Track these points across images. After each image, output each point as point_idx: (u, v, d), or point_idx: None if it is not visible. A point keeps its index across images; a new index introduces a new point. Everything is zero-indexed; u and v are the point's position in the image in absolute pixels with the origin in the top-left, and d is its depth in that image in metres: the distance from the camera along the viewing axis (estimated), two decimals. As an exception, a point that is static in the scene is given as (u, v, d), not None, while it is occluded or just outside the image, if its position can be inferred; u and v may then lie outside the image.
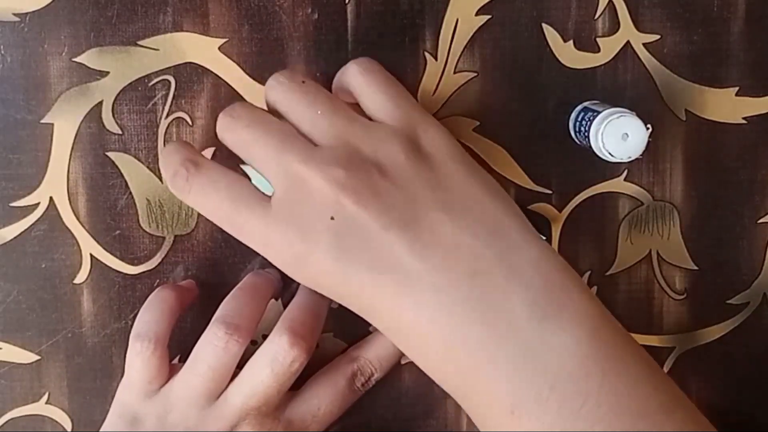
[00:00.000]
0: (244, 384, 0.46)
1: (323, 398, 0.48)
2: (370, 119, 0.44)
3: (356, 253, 0.40)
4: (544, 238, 0.46)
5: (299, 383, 0.48)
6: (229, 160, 0.49)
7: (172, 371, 0.47)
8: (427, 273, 0.39)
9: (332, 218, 0.40)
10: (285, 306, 0.51)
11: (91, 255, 0.50)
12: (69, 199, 0.50)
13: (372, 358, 0.49)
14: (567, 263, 0.41)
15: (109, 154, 0.49)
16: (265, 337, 0.51)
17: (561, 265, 0.41)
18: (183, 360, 0.48)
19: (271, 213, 0.41)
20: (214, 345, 0.46)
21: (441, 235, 0.40)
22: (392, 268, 0.39)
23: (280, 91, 0.44)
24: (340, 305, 0.42)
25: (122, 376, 0.48)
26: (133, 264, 0.50)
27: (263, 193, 0.42)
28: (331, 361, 0.50)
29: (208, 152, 0.49)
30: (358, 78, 0.45)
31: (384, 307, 0.40)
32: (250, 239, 0.42)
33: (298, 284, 0.50)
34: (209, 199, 0.42)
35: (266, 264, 0.50)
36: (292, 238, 0.40)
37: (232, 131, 0.43)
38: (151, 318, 0.48)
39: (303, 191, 0.40)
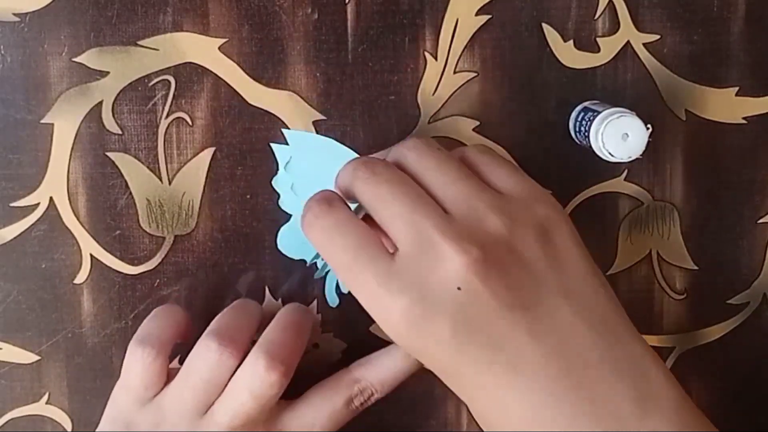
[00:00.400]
0: (227, 403, 0.46)
1: (319, 416, 0.47)
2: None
3: (477, 328, 0.39)
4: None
5: (293, 389, 0.48)
6: (229, 160, 0.49)
7: (168, 377, 0.47)
8: (542, 357, 0.39)
9: (459, 288, 0.40)
10: (284, 304, 0.51)
11: (91, 255, 0.50)
12: (69, 199, 0.50)
13: (375, 382, 0.48)
14: (657, 355, 0.42)
15: (109, 154, 0.49)
16: (265, 337, 0.51)
17: (657, 361, 0.41)
18: (182, 360, 0.48)
19: (395, 268, 0.40)
20: (206, 358, 0.46)
21: (559, 320, 0.40)
22: (508, 347, 0.39)
23: (416, 154, 0.44)
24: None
25: (122, 376, 0.48)
26: (133, 264, 0.50)
27: (387, 249, 0.42)
28: (331, 375, 0.49)
29: (209, 152, 0.49)
30: (479, 156, 0.45)
31: (490, 384, 0.40)
32: (365, 290, 0.41)
33: (289, 287, 0.51)
34: (332, 242, 0.42)
35: (262, 273, 0.50)
36: (413, 299, 0.40)
37: (369, 184, 0.43)
38: (157, 325, 0.48)
39: (433, 257, 0.40)
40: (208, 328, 0.47)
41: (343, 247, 0.41)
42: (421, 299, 0.39)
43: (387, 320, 0.40)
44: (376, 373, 0.48)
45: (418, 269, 0.40)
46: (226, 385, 0.46)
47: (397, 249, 0.41)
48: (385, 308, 0.40)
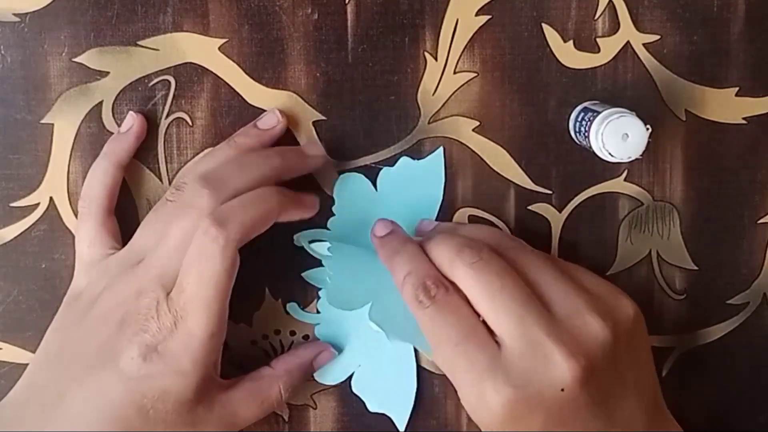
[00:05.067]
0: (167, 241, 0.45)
1: (185, 264, 0.45)
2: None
3: (566, 422, 0.43)
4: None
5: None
6: (229, 160, 0.49)
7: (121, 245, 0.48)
8: None
9: (562, 390, 0.42)
10: (284, 306, 0.51)
11: (91, 255, 0.50)
12: (69, 199, 0.50)
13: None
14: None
15: (109, 154, 0.49)
16: (265, 336, 0.51)
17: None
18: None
19: (501, 361, 0.42)
20: (164, 200, 0.47)
21: (627, 410, 0.44)
22: None
23: (515, 246, 0.46)
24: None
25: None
26: (133, 264, 0.50)
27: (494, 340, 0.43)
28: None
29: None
30: (548, 260, 0.46)
31: None
32: (467, 375, 0.43)
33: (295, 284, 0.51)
34: (441, 324, 0.43)
35: (261, 272, 0.50)
36: (518, 394, 0.42)
37: (476, 270, 0.44)
38: (90, 180, 0.49)
39: (542, 357, 0.42)
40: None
41: (453, 326, 0.43)
42: (525, 395, 0.42)
43: (483, 408, 0.42)
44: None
45: (525, 365, 0.42)
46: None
47: (500, 340, 0.43)
48: (485, 396, 0.42)
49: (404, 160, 0.50)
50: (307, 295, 0.51)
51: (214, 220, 0.44)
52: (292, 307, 0.51)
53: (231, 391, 0.46)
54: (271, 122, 0.49)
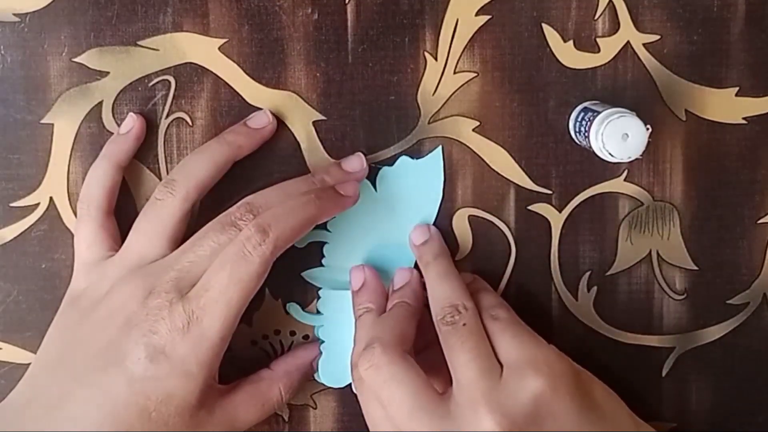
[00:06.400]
0: (182, 247, 0.46)
1: (213, 269, 0.45)
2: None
3: None
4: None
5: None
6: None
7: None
8: None
9: None
10: (284, 306, 0.51)
11: (91, 255, 0.50)
12: (69, 199, 0.50)
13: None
14: None
15: (109, 154, 0.49)
16: (265, 336, 0.51)
17: None
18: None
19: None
20: (153, 199, 0.47)
21: None
22: None
23: (448, 331, 0.46)
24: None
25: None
26: (133, 264, 0.50)
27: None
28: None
29: (208, 152, 0.49)
30: (491, 321, 0.46)
31: None
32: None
33: (295, 282, 0.51)
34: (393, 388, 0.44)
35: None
36: None
37: (373, 376, 0.44)
38: (90, 181, 0.48)
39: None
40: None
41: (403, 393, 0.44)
42: None
43: None
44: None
45: None
46: (169, 231, 0.46)
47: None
48: None
49: (403, 160, 0.50)
50: (307, 295, 0.51)
51: (258, 228, 0.44)
52: (293, 308, 0.51)
53: (231, 395, 0.47)
54: (261, 122, 0.49)
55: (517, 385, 0.43)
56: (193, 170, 0.47)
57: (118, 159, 0.48)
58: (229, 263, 0.44)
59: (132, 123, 0.49)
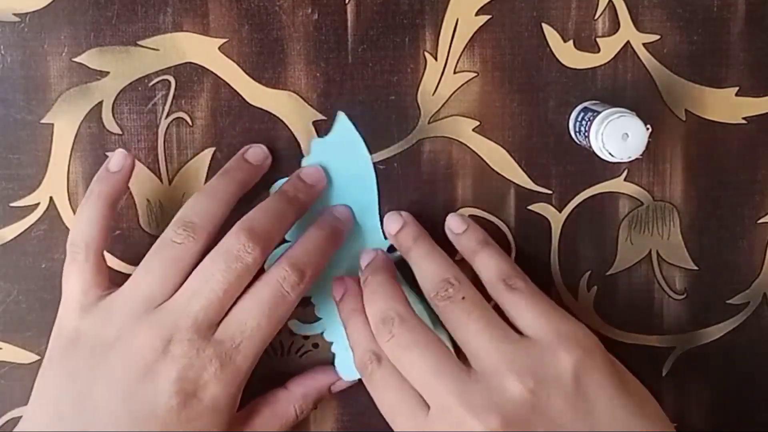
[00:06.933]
0: (190, 287, 0.45)
1: (249, 310, 0.45)
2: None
3: None
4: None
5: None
6: (228, 160, 0.49)
7: (114, 283, 0.46)
8: None
9: None
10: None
11: (91, 255, 0.50)
12: (69, 199, 0.50)
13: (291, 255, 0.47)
14: None
15: (109, 154, 0.49)
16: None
17: None
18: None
19: (428, 422, 0.43)
20: (171, 242, 0.45)
21: None
22: None
23: (447, 306, 0.45)
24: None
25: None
26: (133, 264, 0.50)
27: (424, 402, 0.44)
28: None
29: (208, 152, 0.49)
30: (507, 295, 0.46)
31: None
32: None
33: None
34: (377, 397, 0.45)
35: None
36: None
37: (393, 347, 0.45)
38: (82, 222, 0.46)
39: (455, 424, 0.42)
40: (175, 218, 0.46)
41: (384, 401, 0.45)
42: None
43: None
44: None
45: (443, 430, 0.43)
46: (182, 279, 0.45)
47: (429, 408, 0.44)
48: None
49: (315, 142, 0.49)
50: (306, 303, 0.51)
51: (294, 268, 0.45)
52: (294, 324, 0.51)
53: (251, 420, 0.48)
54: (259, 158, 0.49)
55: (548, 358, 0.43)
56: (209, 212, 0.46)
57: (112, 198, 0.47)
58: (266, 304, 0.44)
59: (123, 160, 0.47)
